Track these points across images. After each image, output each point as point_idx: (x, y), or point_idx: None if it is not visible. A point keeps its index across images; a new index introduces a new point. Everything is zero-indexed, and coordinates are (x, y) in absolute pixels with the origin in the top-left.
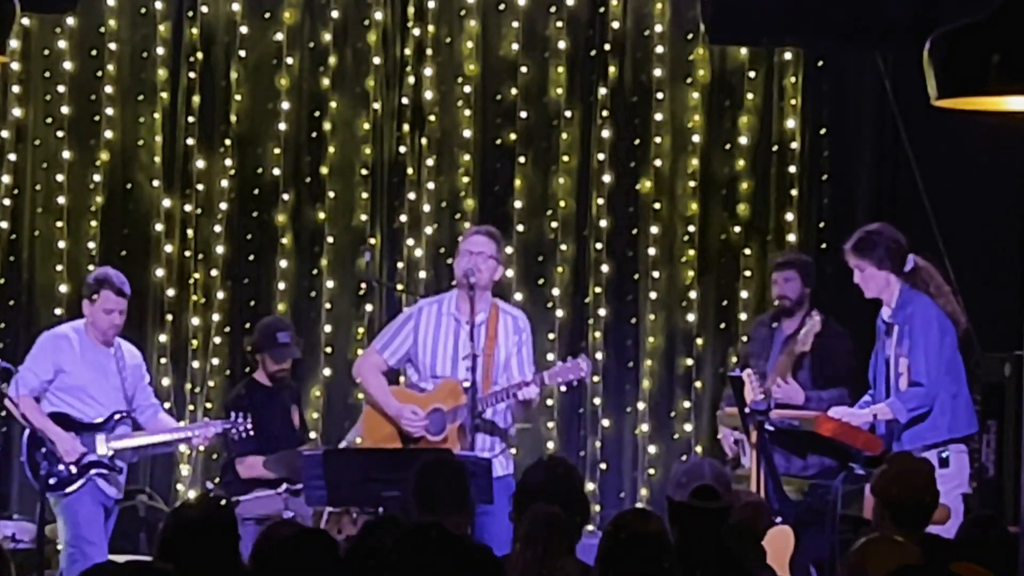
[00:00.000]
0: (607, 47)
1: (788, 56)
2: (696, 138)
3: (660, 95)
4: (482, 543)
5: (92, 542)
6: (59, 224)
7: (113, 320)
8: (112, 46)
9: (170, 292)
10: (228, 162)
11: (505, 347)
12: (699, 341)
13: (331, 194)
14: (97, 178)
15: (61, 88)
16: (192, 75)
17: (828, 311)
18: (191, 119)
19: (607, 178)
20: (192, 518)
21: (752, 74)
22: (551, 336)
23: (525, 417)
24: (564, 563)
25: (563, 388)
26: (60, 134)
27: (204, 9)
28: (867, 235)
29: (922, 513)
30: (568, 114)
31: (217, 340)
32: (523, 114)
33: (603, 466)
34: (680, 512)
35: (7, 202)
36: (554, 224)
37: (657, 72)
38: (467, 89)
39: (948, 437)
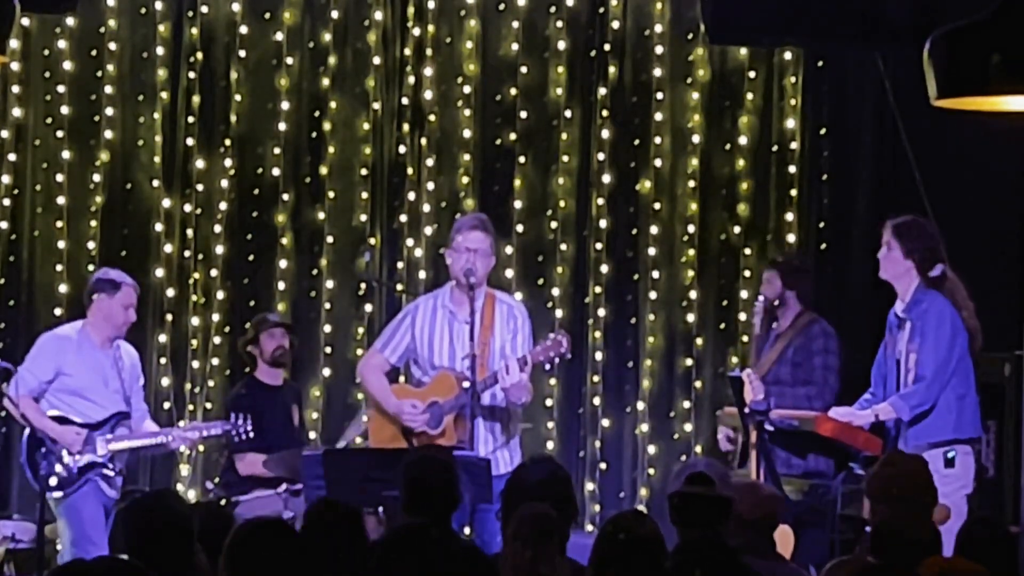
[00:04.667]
0: (607, 47)
1: (788, 56)
2: (696, 138)
3: (660, 95)
4: (476, 542)
5: (95, 543)
6: (59, 224)
7: (129, 316)
8: (112, 46)
9: (170, 292)
10: (228, 162)
11: (500, 336)
12: (699, 341)
13: (331, 194)
14: (97, 178)
15: (61, 88)
16: (192, 75)
17: (828, 311)
18: (191, 119)
19: (607, 178)
20: (140, 513)
21: (752, 74)
22: (552, 334)
23: (520, 405)
24: (555, 563)
25: (547, 367)
26: (60, 134)
27: (204, 9)
28: (913, 221)
29: (925, 512)
30: (568, 114)
31: (217, 340)
32: (523, 114)
33: (603, 466)
34: (677, 505)
35: (7, 202)
36: (554, 224)
37: (657, 72)
38: (467, 89)
39: (953, 437)
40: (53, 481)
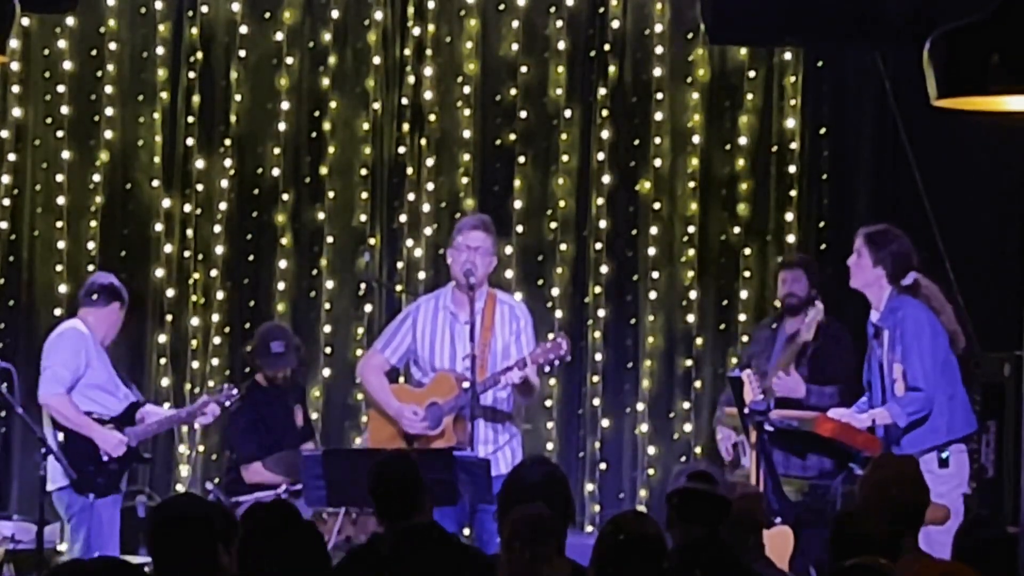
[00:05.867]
0: (607, 47)
1: (788, 56)
2: (696, 138)
3: (660, 95)
4: (476, 542)
5: (111, 544)
6: (59, 224)
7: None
8: (112, 46)
9: (170, 292)
10: (228, 162)
11: (502, 337)
12: (699, 341)
13: (331, 194)
14: (97, 178)
15: (61, 88)
16: (192, 75)
17: (828, 311)
18: (191, 119)
19: (607, 178)
20: (169, 514)
21: (752, 74)
22: (551, 336)
23: (528, 402)
24: (553, 564)
25: (547, 369)
26: (60, 134)
27: (204, 9)
28: (885, 231)
29: (919, 513)
30: (568, 114)
31: (217, 340)
32: (523, 114)
33: (603, 466)
34: (678, 503)
35: (7, 202)
36: (554, 224)
37: (657, 72)
38: (467, 89)
39: (947, 439)
40: (99, 483)
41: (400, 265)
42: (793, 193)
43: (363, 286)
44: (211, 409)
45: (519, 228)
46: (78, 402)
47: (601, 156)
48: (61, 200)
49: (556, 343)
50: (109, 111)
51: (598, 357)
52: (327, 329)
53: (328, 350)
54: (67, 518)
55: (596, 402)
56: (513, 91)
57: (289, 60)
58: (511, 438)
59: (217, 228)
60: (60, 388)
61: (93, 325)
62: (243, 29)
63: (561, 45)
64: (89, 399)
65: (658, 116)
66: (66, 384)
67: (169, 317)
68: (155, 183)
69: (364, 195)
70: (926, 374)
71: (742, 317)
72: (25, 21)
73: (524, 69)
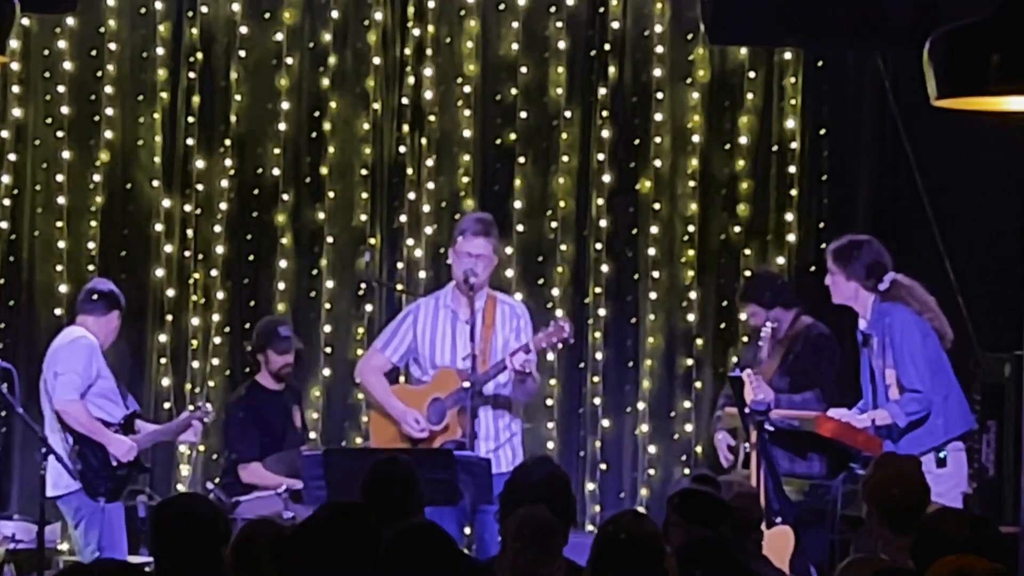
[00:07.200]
0: (607, 47)
1: (788, 56)
2: (696, 138)
3: (660, 95)
4: (477, 543)
5: (119, 548)
6: (59, 224)
7: None
8: (112, 46)
9: (170, 292)
10: (228, 162)
11: (502, 334)
12: (699, 341)
13: (331, 194)
14: (97, 178)
15: (61, 88)
16: (192, 75)
17: (827, 312)
18: (191, 119)
19: (607, 178)
20: (173, 513)
21: (752, 74)
22: (552, 322)
23: (528, 399)
24: (554, 565)
25: (549, 353)
26: (60, 134)
27: (204, 9)
28: (849, 245)
29: (918, 513)
30: (568, 114)
31: (217, 340)
32: (523, 114)
33: (603, 466)
34: (680, 503)
35: (7, 202)
36: (554, 224)
37: (657, 72)
38: (467, 89)
39: (944, 438)
40: (107, 487)
41: (400, 265)
42: (793, 193)
43: (363, 286)
44: (195, 427)
45: (519, 228)
46: (89, 408)
47: (601, 156)
48: (61, 200)
49: (559, 326)
50: (109, 111)
51: (598, 357)
52: (327, 329)
53: (328, 350)
54: (75, 523)
55: (596, 402)
56: (513, 91)
57: (289, 60)
58: (512, 436)
59: (217, 228)
60: (75, 394)
61: (95, 332)
62: (243, 29)
63: (561, 45)
64: (97, 407)
65: (658, 116)
66: (80, 391)
67: (169, 317)
68: (155, 183)
69: (364, 195)
70: (920, 376)
71: (742, 317)
72: (25, 21)
73: (524, 69)
